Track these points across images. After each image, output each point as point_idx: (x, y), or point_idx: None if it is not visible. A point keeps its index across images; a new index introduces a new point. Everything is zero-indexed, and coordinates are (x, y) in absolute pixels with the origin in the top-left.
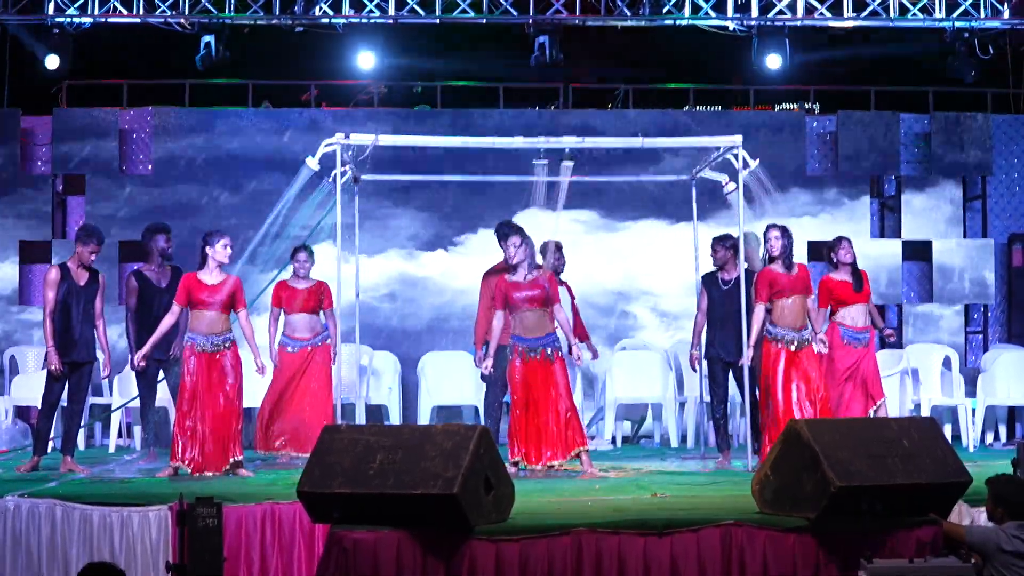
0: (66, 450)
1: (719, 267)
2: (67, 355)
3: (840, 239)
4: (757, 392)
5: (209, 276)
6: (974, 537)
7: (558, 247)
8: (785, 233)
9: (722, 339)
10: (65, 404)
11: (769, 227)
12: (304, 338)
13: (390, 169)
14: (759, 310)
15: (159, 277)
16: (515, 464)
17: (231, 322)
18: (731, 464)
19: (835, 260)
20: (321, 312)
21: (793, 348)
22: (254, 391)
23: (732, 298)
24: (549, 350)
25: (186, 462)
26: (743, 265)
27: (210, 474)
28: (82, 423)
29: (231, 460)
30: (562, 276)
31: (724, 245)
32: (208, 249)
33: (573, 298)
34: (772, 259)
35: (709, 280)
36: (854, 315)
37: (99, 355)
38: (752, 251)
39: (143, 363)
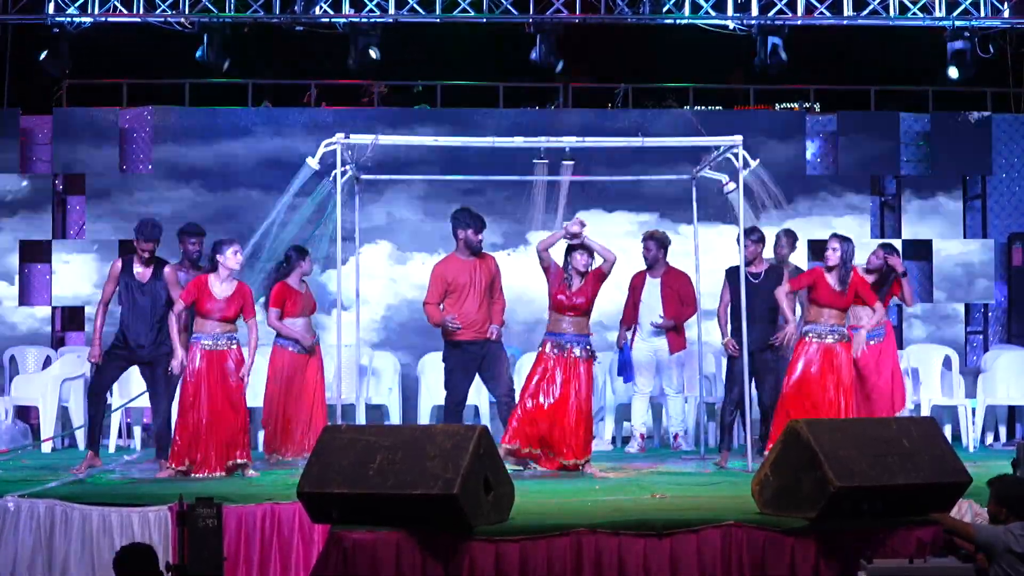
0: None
1: (749, 262)
2: (126, 350)
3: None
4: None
5: (220, 285)
6: (982, 536)
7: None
8: (843, 243)
9: (751, 333)
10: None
11: (831, 236)
12: (306, 339)
13: (391, 168)
14: (785, 288)
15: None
16: (515, 458)
17: (236, 325)
18: (728, 465)
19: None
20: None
21: (829, 341)
22: (252, 393)
23: (761, 292)
24: (578, 350)
25: (187, 463)
26: (742, 259)
27: (216, 474)
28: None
29: (236, 462)
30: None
31: (753, 239)
32: (219, 256)
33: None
34: (829, 268)
35: (733, 274)
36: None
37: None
38: (782, 246)
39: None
